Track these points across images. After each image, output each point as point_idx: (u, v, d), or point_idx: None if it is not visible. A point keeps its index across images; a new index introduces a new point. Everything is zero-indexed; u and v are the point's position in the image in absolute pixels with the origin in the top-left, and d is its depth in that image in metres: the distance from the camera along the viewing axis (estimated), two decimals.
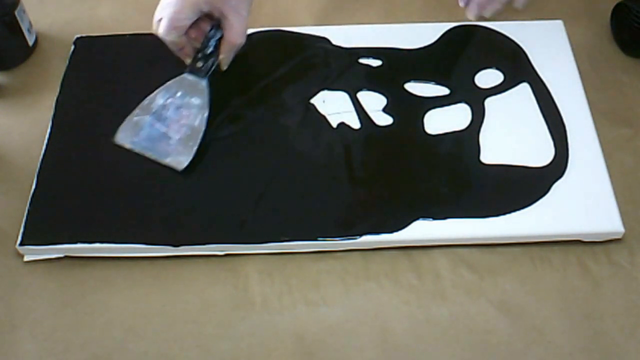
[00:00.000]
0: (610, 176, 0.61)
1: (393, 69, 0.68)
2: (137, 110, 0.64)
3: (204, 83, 0.64)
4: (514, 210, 0.58)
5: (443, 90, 0.67)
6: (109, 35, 0.72)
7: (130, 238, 0.58)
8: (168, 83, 0.64)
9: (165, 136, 0.63)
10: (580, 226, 0.58)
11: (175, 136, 0.63)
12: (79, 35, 0.72)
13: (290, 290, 0.57)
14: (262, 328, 0.55)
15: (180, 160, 0.62)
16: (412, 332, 0.55)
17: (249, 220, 0.59)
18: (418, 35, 0.71)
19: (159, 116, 0.63)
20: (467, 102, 0.66)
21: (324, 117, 0.65)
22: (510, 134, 0.64)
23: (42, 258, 0.59)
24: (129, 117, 0.64)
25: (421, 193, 0.60)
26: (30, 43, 0.73)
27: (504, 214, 0.58)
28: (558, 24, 0.72)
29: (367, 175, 0.61)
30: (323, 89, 0.67)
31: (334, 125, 0.65)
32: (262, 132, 0.64)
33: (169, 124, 0.63)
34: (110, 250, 0.58)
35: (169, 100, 0.63)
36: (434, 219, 0.58)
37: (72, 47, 0.71)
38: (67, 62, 0.70)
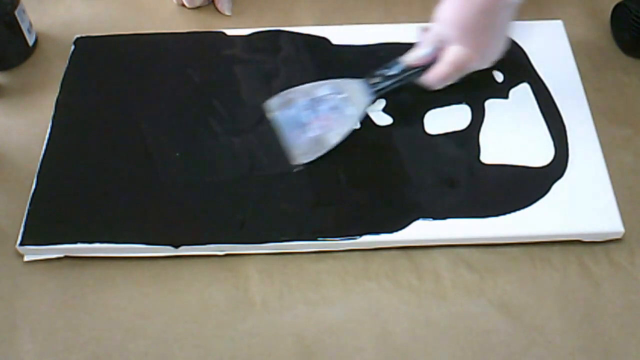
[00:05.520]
0: (610, 176, 0.61)
1: None
2: (300, 87, 0.63)
3: (367, 100, 0.62)
4: (514, 210, 0.58)
5: (443, 91, 0.67)
6: (109, 35, 0.72)
7: (130, 238, 0.58)
8: (343, 79, 0.63)
9: (303, 127, 0.61)
10: (580, 226, 0.58)
11: (311, 134, 0.61)
12: (79, 35, 0.72)
13: (290, 290, 0.57)
14: (262, 328, 0.55)
15: (300, 158, 0.61)
16: (412, 332, 0.55)
17: (249, 220, 0.59)
18: None
19: (312, 105, 0.62)
20: (467, 102, 0.66)
21: None
22: (510, 133, 0.64)
23: (42, 258, 0.59)
24: (287, 91, 0.63)
25: (421, 193, 0.60)
26: (30, 43, 0.73)
27: (504, 214, 0.58)
28: (558, 24, 0.72)
29: (367, 175, 0.61)
30: None
31: None
32: (262, 132, 0.64)
33: (314, 119, 0.61)
34: (110, 250, 0.58)
35: (331, 96, 0.62)
36: (434, 219, 0.58)
37: (72, 47, 0.71)
38: (67, 62, 0.70)
